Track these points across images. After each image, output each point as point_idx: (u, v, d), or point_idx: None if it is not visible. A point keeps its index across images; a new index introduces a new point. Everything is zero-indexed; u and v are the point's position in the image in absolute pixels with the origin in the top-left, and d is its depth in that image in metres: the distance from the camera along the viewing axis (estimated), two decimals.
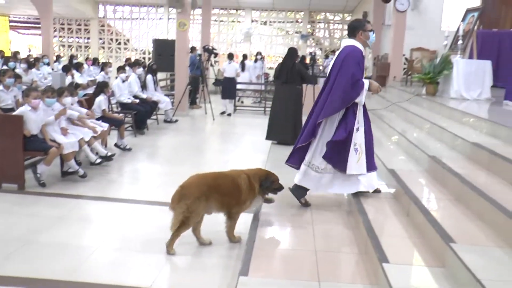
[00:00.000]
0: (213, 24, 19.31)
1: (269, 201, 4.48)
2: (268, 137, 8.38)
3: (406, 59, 13.98)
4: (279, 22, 21.19)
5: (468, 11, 10.46)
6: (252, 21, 20.94)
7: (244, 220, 4.31)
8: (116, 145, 7.99)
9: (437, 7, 16.06)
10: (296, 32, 21.11)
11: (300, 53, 12.22)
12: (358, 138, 4.49)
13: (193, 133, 10.62)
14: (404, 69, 13.50)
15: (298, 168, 4.70)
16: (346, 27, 20.64)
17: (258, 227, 4.23)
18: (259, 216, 4.49)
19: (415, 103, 8.72)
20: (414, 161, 5.53)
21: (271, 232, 4.29)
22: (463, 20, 10.26)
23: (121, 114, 9.04)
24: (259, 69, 16.96)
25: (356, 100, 4.44)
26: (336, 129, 4.45)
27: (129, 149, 8.03)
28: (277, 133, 8.20)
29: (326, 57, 18.66)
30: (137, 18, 21.28)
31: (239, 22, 21.16)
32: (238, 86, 14.31)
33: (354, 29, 4.60)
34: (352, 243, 3.93)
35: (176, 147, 8.93)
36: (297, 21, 21.13)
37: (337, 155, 4.44)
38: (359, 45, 4.56)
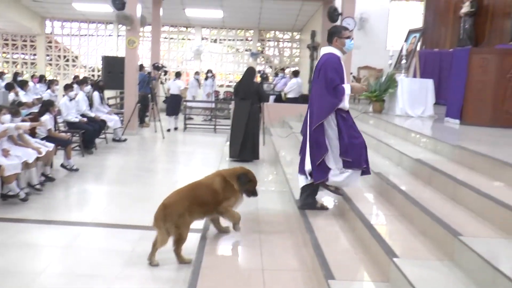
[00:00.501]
0: (163, 42, 19.22)
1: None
2: (230, 155, 8.46)
3: (354, 77, 14.41)
4: (229, 40, 21.35)
5: (411, 31, 10.91)
6: (202, 38, 21.00)
7: (193, 240, 4.29)
8: (62, 165, 7.79)
9: (382, 27, 16.72)
10: (246, 50, 21.34)
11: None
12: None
13: (143, 152, 10.48)
14: None
15: (327, 180, 4.64)
16: (295, 45, 21.42)
17: (206, 247, 4.22)
18: (207, 236, 4.48)
19: (362, 120, 8.96)
20: (361, 177, 5.66)
21: (218, 252, 4.29)
22: (406, 40, 10.69)
23: (68, 134, 8.82)
24: (210, 87, 17.02)
25: (340, 106, 4.46)
26: (339, 139, 4.50)
27: (76, 170, 7.83)
28: (236, 150, 8.33)
29: (276, 75, 18.93)
30: (86, 35, 20.90)
31: (189, 39, 21.17)
32: (189, 104, 14.36)
33: (330, 35, 4.69)
34: (299, 261, 3.97)
35: (125, 167, 8.79)
36: (247, 39, 21.38)
37: (355, 156, 4.51)
38: (336, 51, 4.64)
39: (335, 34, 4.65)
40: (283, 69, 20.03)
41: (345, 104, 4.49)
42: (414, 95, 8.93)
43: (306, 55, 18.47)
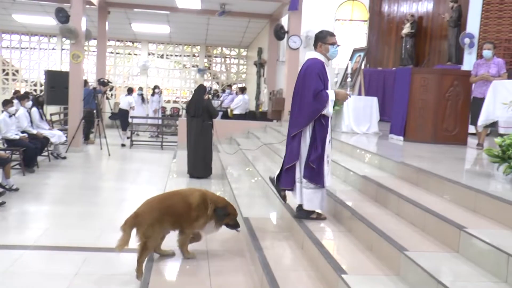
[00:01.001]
0: (109, 56, 18.89)
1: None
2: (188, 172, 8.55)
3: None
4: (176, 55, 21.29)
5: (355, 51, 11.26)
6: (149, 54, 20.84)
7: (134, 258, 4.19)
8: (0, 185, 7.43)
9: None
10: (193, 66, 21.34)
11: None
12: (328, 149, 4.49)
13: (87, 170, 10.18)
14: None
15: (292, 189, 4.57)
16: (242, 62, 21.59)
17: (153, 267, 4.14)
18: (153, 261, 4.36)
19: None
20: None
21: (166, 272, 4.22)
22: (350, 59, 11.02)
23: (7, 152, 8.44)
24: (156, 103, 16.83)
25: (324, 112, 4.37)
26: (309, 146, 4.39)
27: (16, 189, 7.50)
28: (190, 167, 8.50)
29: (223, 91, 19.00)
30: (27, 48, 20.25)
31: (135, 54, 20.94)
32: (135, 121, 14.22)
33: (315, 40, 4.64)
34: (248, 280, 3.96)
35: (68, 186, 8.49)
36: (194, 55, 21.39)
37: (315, 171, 4.38)
38: (320, 57, 4.56)
39: (320, 39, 4.60)
40: (230, 86, 20.13)
41: (329, 110, 4.39)
42: (360, 112, 9.19)
43: (253, 71, 18.69)
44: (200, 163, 8.40)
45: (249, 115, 15.09)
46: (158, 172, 9.46)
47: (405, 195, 4.38)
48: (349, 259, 3.68)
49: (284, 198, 4.80)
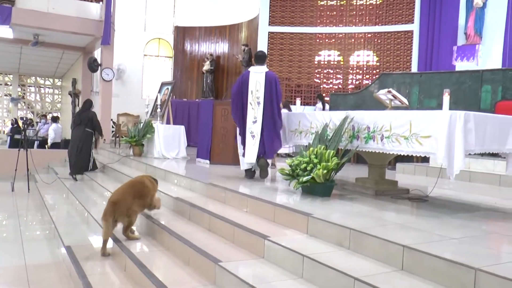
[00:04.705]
0: None
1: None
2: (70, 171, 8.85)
3: (114, 123, 14.11)
4: None
5: (163, 84, 11.31)
6: None
7: None
8: None
9: (138, 78, 16.91)
10: (6, 95, 19.00)
11: (11, 116, 11.25)
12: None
13: None
14: (113, 131, 13.59)
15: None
16: (57, 91, 19.91)
17: None
18: None
19: (124, 163, 8.81)
20: None
21: None
22: (159, 91, 11.02)
23: None
24: None
25: None
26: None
27: None
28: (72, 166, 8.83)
29: (39, 120, 17.28)
30: None
31: None
32: None
33: (264, 57, 6.08)
34: None
35: None
36: (6, 84, 19.06)
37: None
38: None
39: (266, 58, 6.19)
40: (45, 115, 18.43)
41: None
42: (169, 139, 9.23)
43: (69, 101, 17.38)
44: (80, 163, 8.72)
45: (66, 144, 14.01)
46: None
47: (215, 212, 4.51)
48: (169, 275, 3.61)
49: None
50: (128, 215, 4.49)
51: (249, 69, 6.02)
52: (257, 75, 5.86)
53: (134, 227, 4.67)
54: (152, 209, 4.92)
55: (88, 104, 9.14)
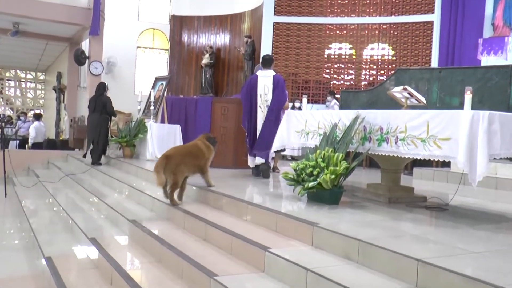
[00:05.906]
0: None
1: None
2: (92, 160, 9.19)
3: None
4: None
5: (157, 79, 11.32)
6: None
7: None
8: None
9: (130, 72, 16.95)
10: None
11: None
12: None
13: None
14: None
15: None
16: (39, 86, 19.96)
17: None
18: None
19: (114, 166, 8.82)
20: (115, 226, 5.51)
21: None
22: (153, 87, 11.02)
23: None
24: None
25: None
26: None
27: None
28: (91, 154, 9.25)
29: (18, 118, 17.28)
30: None
31: None
32: None
33: (272, 61, 7.10)
34: None
35: None
36: None
37: None
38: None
39: (273, 61, 7.20)
40: (25, 113, 18.48)
41: None
42: (163, 139, 9.21)
43: (52, 97, 17.44)
44: (99, 149, 9.18)
45: (49, 144, 14.01)
46: None
47: (212, 220, 4.49)
48: None
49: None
50: (174, 173, 5.03)
51: (257, 73, 6.97)
52: (265, 79, 6.80)
53: (183, 196, 5.28)
54: (206, 177, 5.53)
55: (102, 88, 9.48)
